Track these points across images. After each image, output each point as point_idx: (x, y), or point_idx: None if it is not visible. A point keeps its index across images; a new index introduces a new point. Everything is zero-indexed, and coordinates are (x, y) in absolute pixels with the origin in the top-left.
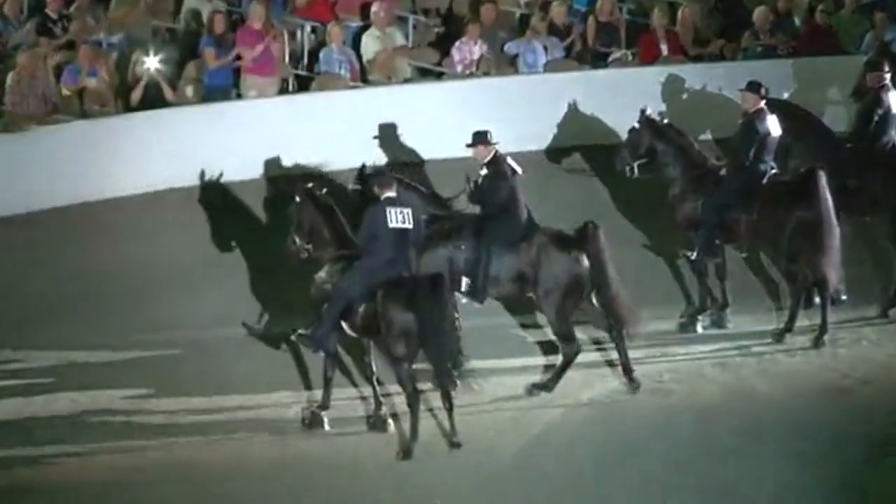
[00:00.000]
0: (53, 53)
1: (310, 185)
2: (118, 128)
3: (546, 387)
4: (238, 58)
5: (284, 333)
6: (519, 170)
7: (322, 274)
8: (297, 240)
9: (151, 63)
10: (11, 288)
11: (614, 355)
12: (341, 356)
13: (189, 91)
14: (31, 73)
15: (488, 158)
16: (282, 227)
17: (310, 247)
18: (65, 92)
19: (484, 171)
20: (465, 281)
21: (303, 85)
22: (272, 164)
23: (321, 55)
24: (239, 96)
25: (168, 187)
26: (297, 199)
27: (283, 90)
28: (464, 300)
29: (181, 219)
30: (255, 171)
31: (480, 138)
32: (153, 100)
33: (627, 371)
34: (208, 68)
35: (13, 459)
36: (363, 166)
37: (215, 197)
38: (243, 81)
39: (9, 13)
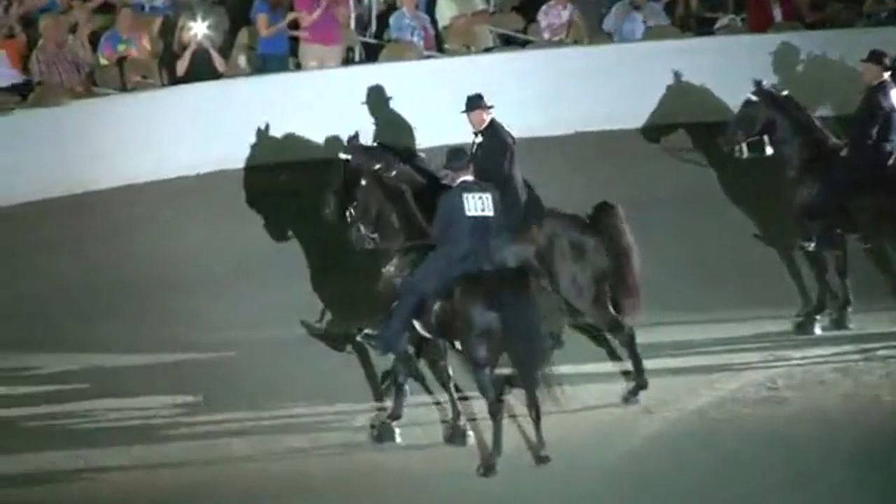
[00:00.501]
0: (88, 18)
1: (377, 166)
2: (162, 101)
3: (639, 387)
4: (295, 24)
5: (349, 334)
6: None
7: (391, 267)
8: (362, 228)
9: (199, 29)
10: (44, 282)
11: (720, 360)
12: (414, 359)
13: (242, 61)
14: (57, 40)
15: (485, 125)
16: (340, 214)
17: (376, 236)
18: (102, 61)
19: (479, 139)
20: None
21: (370, 54)
22: (334, 144)
23: (391, 20)
24: (298, 66)
25: (218, 169)
26: (363, 182)
27: (347, 60)
28: None
29: (234, 204)
30: (316, 151)
31: (477, 103)
32: (201, 70)
33: (639, 373)
34: (262, 36)
35: (49, 472)
36: (355, 135)
37: (270, 180)
38: (302, 50)
39: None
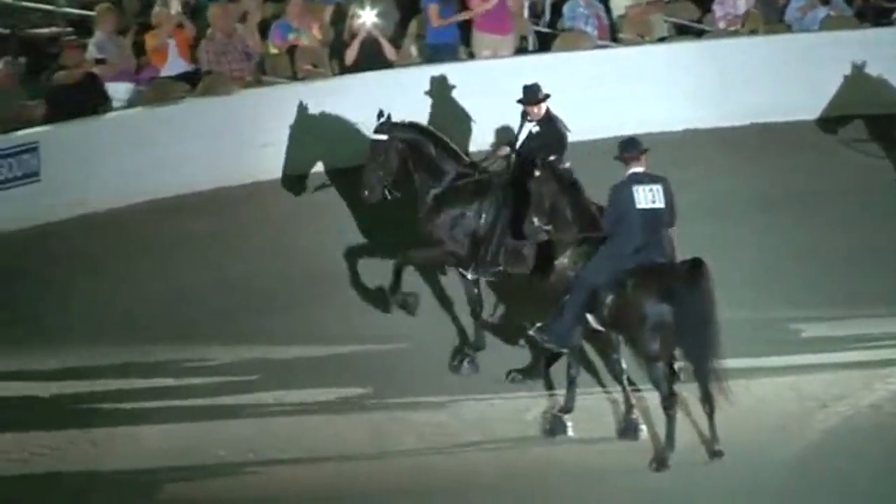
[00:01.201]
0: (258, 6)
1: (551, 157)
2: (333, 90)
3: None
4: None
5: (521, 326)
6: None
7: (564, 259)
8: (536, 220)
9: (368, 18)
10: (213, 273)
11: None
12: (586, 353)
13: (412, 50)
14: (226, 30)
15: (542, 115)
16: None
17: (550, 228)
18: (272, 50)
19: (536, 129)
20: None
21: (544, 43)
22: (506, 134)
23: (565, 9)
24: (470, 55)
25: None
26: (537, 174)
27: (520, 49)
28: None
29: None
30: (486, 140)
31: (536, 95)
32: (371, 59)
33: None
34: (432, 25)
35: (217, 465)
36: (386, 115)
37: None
38: (475, 39)
39: None
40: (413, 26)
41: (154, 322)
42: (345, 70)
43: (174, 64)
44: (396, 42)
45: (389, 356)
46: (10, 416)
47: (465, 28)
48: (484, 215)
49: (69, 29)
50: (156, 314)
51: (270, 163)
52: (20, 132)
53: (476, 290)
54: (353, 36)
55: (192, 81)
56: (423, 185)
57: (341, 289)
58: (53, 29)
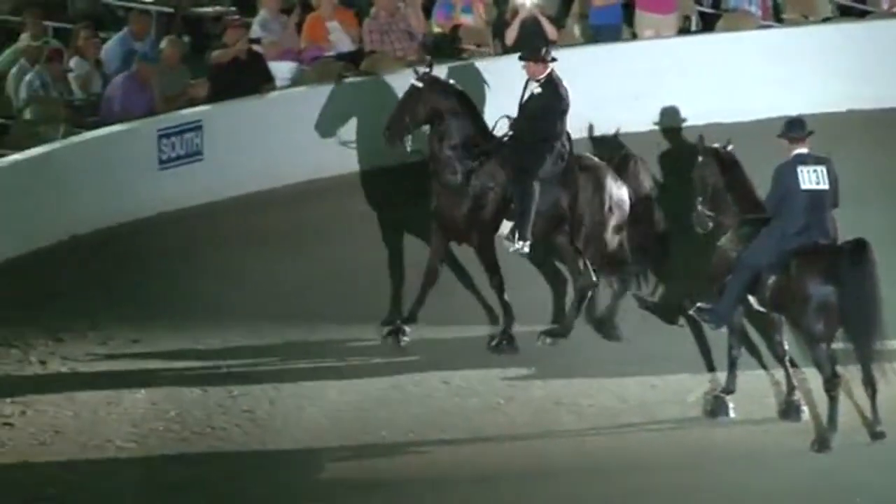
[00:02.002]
0: None
1: (715, 144)
2: (495, 70)
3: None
4: None
5: (682, 306)
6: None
7: (726, 241)
8: (700, 207)
9: None
10: (376, 254)
11: None
12: (748, 333)
13: (575, 30)
14: (389, 9)
15: (543, 77)
16: (682, 188)
17: (713, 214)
18: (435, 29)
19: (538, 90)
20: (506, 224)
21: (707, 23)
22: (668, 114)
23: None
24: (633, 36)
25: None
26: (700, 158)
27: (683, 29)
28: (510, 247)
29: None
30: (647, 121)
31: (537, 54)
32: (532, 39)
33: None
34: (594, 5)
35: (381, 446)
36: (428, 68)
37: (601, 151)
38: (638, 18)
39: None
40: (576, 6)
41: (316, 302)
42: (507, 50)
43: (337, 43)
44: (559, 22)
45: None
46: (172, 394)
47: (629, 8)
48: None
49: (233, 8)
50: (317, 294)
51: None
52: (184, 111)
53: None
54: (514, 15)
55: (356, 61)
56: (440, 148)
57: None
58: (217, 8)
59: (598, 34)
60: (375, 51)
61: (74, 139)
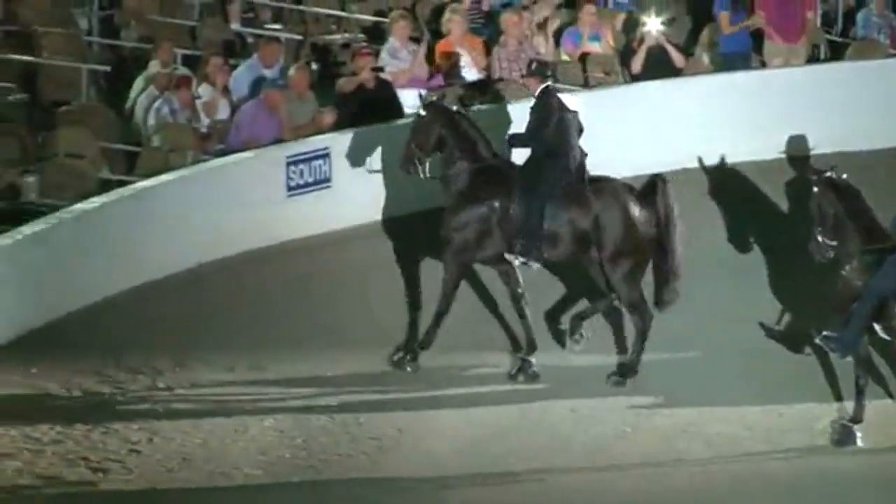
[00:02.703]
0: (552, 14)
1: (828, 172)
2: (622, 98)
3: (628, 371)
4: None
5: (808, 335)
6: (575, 107)
7: (850, 269)
8: (820, 237)
9: (653, 26)
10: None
11: None
12: (874, 362)
13: (704, 58)
14: (518, 37)
15: (538, 92)
16: (801, 215)
17: (835, 244)
18: (563, 57)
19: (532, 106)
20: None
21: (836, 52)
22: (795, 143)
23: (858, 18)
24: (762, 64)
25: (679, 168)
26: (815, 189)
27: (812, 58)
28: (517, 262)
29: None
30: (772, 150)
31: (537, 70)
32: (659, 67)
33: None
34: (724, 33)
35: (498, 475)
36: (441, 97)
37: (725, 180)
38: (766, 47)
39: None
40: (705, 35)
41: (443, 329)
42: (635, 78)
43: (465, 71)
44: (688, 50)
45: (679, 364)
46: (299, 421)
47: (758, 37)
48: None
49: (361, 36)
50: (445, 321)
51: None
52: (313, 138)
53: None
54: (641, 43)
55: (483, 89)
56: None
57: None
58: (346, 35)
59: (727, 62)
60: (503, 78)
61: (202, 166)
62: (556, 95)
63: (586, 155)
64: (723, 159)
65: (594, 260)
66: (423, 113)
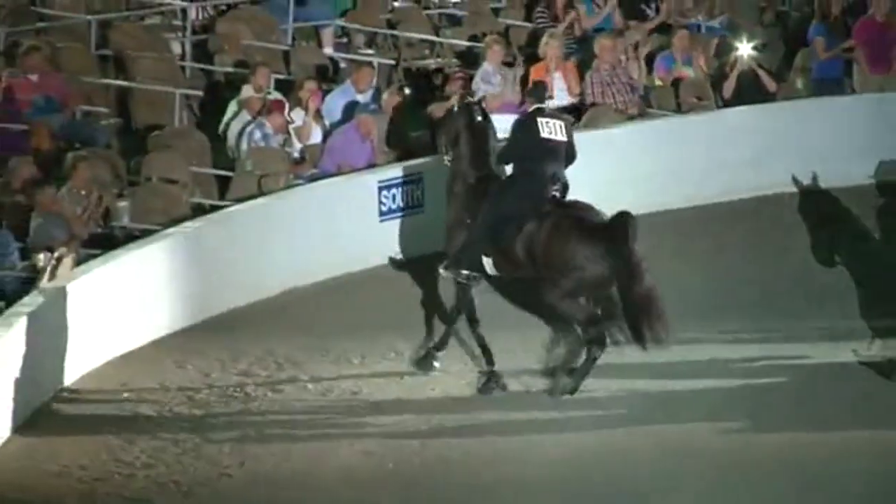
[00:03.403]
0: (645, 39)
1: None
2: (715, 123)
3: (567, 389)
4: (850, 49)
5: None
6: (549, 131)
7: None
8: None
9: (744, 50)
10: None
11: None
12: None
13: (798, 83)
14: (612, 61)
15: (527, 112)
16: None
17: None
18: (657, 82)
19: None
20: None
21: None
22: (888, 168)
23: None
24: (853, 91)
25: (757, 194)
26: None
27: None
28: (442, 273)
29: (774, 228)
30: (863, 174)
31: (532, 93)
32: (751, 92)
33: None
34: (818, 59)
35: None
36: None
37: (817, 203)
38: (858, 75)
39: None
40: (799, 59)
41: (515, 351)
42: (727, 103)
43: (559, 96)
44: (781, 75)
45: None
46: (389, 447)
47: (851, 63)
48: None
49: (455, 60)
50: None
51: (669, 194)
52: (406, 163)
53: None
54: (733, 68)
55: (577, 114)
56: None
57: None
58: (439, 60)
59: (819, 88)
60: (597, 103)
61: (295, 190)
62: (540, 120)
63: (558, 180)
64: (815, 181)
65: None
66: (454, 108)
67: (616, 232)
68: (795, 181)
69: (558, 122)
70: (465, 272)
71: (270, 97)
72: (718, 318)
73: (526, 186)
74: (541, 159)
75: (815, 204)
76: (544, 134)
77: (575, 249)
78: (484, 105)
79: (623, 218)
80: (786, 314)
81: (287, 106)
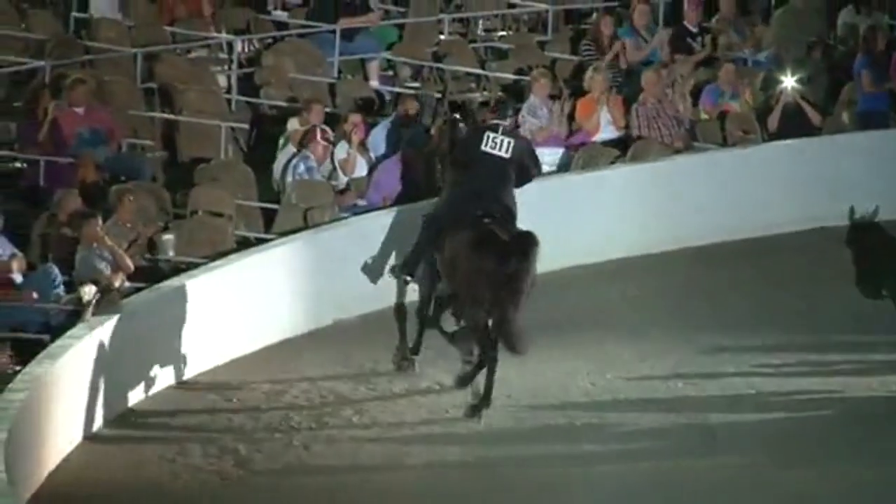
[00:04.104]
0: (691, 72)
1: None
2: (761, 157)
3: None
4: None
5: None
6: (492, 146)
7: None
8: None
9: (788, 83)
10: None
11: None
12: None
13: (844, 117)
14: (658, 94)
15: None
16: None
17: None
18: (703, 116)
19: None
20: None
21: None
22: None
23: None
24: None
25: (808, 227)
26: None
27: None
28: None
29: (818, 261)
30: None
31: (498, 106)
32: (796, 125)
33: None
34: (864, 92)
35: None
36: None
37: (868, 236)
38: None
39: (638, 23)
40: (845, 93)
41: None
42: (772, 136)
43: (605, 129)
44: (827, 109)
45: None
46: (441, 476)
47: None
48: None
49: (500, 94)
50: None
51: (702, 228)
52: None
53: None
54: (777, 101)
55: (623, 147)
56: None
57: None
58: (485, 94)
59: (865, 121)
60: (643, 136)
61: (339, 224)
62: (488, 134)
63: (495, 197)
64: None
65: None
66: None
67: (509, 250)
68: (849, 213)
69: (507, 140)
70: (406, 277)
71: (316, 129)
72: (765, 348)
73: (454, 197)
74: (475, 172)
75: (862, 236)
76: (484, 147)
77: (464, 263)
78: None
79: (523, 238)
80: (832, 347)
81: (331, 137)
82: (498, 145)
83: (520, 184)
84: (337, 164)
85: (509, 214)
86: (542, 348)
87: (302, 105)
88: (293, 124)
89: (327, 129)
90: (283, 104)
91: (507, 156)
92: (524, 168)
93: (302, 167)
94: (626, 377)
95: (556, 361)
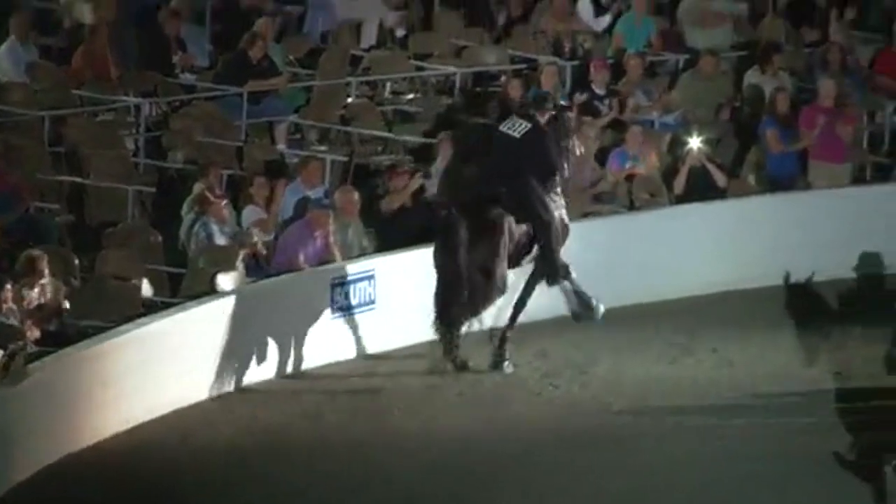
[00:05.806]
0: (597, 135)
1: None
2: (668, 219)
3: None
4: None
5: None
6: (509, 127)
7: None
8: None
9: (694, 144)
10: None
11: None
12: None
13: (751, 179)
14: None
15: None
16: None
17: None
18: (609, 178)
19: None
20: None
21: (883, 173)
22: (867, 258)
23: None
24: (807, 185)
25: (729, 288)
26: None
27: (858, 179)
28: None
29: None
30: (834, 268)
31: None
32: (703, 188)
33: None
34: (771, 153)
35: None
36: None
37: (797, 299)
38: (811, 168)
39: (546, 86)
40: (752, 154)
41: None
42: (680, 199)
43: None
44: (734, 171)
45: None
46: None
47: (804, 158)
48: None
49: (409, 157)
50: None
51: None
52: (357, 261)
53: None
54: (683, 163)
55: None
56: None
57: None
58: (392, 157)
59: (774, 183)
60: None
61: (246, 288)
62: (513, 117)
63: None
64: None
65: None
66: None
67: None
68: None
69: (525, 123)
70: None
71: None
72: None
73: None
74: (490, 151)
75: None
76: (503, 128)
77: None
78: None
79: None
80: None
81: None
82: (514, 126)
83: (540, 168)
84: (251, 227)
85: (519, 195)
86: None
87: (198, 169)
88: (198, 188)
89: (218, 190)
90: (191, 167)
91: (518, 136)
92: (544, 152)
93: (203, 233)
94: None
95: None
